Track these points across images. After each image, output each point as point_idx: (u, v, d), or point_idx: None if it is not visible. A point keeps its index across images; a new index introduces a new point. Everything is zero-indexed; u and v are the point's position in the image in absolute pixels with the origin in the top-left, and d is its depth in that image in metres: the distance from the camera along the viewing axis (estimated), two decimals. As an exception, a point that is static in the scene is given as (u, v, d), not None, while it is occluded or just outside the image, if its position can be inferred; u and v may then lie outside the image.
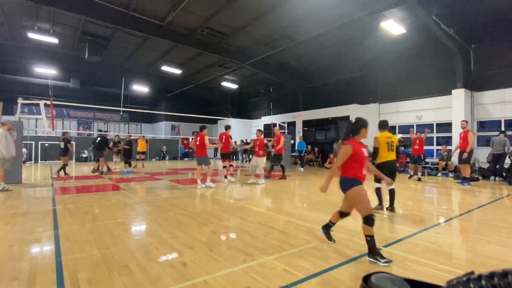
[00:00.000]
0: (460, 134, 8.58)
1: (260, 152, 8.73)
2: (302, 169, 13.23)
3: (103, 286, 2.23)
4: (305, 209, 5.07)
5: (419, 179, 9.46)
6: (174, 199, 5.97)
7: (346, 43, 13.35)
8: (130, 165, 12.04)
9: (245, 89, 23.16)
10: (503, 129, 10.39)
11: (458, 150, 8.59)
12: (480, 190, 7.51)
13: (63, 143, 10.64)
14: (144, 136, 14.84)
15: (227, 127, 9.08)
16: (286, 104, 19.88)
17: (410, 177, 9.87)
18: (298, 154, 14.46)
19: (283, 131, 15.26)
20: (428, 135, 12.59)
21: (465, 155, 8.26)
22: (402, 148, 12.02)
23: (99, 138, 10.83)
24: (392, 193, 4.82)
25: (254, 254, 2.90)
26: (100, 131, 12.45)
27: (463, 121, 8.70)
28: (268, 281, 2.31)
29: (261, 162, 8.72)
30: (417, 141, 9.78)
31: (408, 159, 10.28)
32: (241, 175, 11.07)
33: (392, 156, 4.78)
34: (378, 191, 4.88)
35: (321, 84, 17.30)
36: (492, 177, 9.34)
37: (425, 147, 12.58)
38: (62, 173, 10.43)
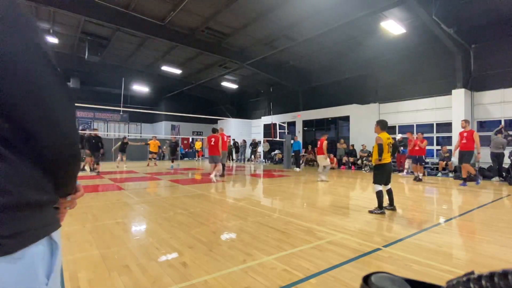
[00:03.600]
0: (462, 133, 8.19)
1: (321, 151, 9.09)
2: (298, 169, 13.14)
3: (103, 286, 2.23)
4: (305, 209, 5.07)
5: (419, 179, 9.45)
6: (174, 199, 5.97)
7: (346, 43, 13.35)
8: (172, 161, 14.68)
9: (245, 89, 23.15)
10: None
11: (458, 150, 8.29)
12: (480, 190, 7.51)
13: (173, 145, 14.37)
14: (156, 137, 15.76)
15: (215, 130, 9.24)
16: (286, 104, 19.87)
17: (415, 179, 9.65)
18: (294, 154, 14.40)
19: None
20: (428, 135, 12.63)
21: (479, 156, 8.16)
22: (402, 148, 12.00)
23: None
24: (390, 192, 4.89)
25: (254, 254, 2.90)
26: (95, 129, 12.84)
27: (463, 120, 8.31)
28: (268, 281, 2.31)
29: (323, 160, 9.10)
30: (417, 142, 9.70)
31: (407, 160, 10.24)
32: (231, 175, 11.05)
33: (389, 158, 4.90)
34: (380, 194, 4.76)
35: (321, 84, 17.29)
36: (495, 178, 9.22)
37: (427, 147, 12.59)
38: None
